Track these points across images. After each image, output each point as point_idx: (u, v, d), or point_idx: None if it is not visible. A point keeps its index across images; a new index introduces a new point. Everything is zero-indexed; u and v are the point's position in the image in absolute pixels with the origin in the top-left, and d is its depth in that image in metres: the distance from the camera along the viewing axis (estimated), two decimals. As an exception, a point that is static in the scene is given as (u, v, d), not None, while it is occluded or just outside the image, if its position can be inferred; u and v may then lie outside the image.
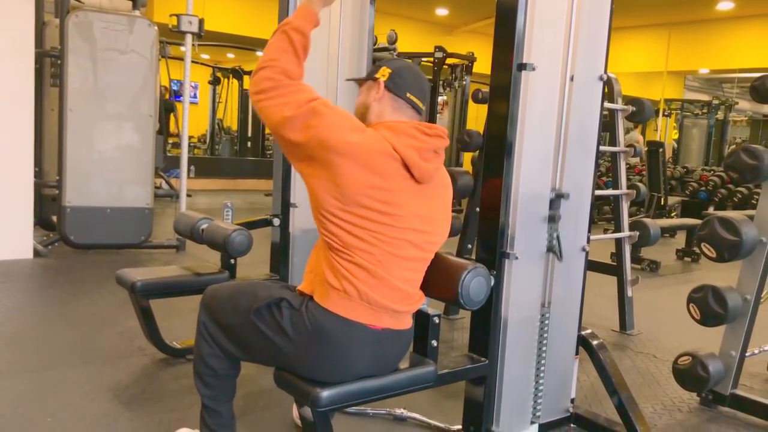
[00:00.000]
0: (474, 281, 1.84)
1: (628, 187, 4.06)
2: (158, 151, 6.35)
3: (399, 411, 2.52)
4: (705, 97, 16.35)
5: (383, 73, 1.83)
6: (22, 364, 2.86)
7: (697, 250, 6.75)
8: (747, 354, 2.85)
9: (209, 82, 13.42)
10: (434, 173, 1.78)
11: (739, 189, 9.08)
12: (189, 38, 5.17)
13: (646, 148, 8.09)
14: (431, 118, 9.88)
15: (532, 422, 2.41)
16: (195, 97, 15.55)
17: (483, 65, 10.40)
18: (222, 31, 10.76)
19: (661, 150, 8.07)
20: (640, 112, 3.93)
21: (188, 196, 5.71)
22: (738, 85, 16.70)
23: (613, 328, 3.98)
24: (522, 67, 2.13)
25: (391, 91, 1.82)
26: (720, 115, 13.91)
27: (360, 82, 1.93)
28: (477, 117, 13.73)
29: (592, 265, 3.38)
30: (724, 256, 2.57)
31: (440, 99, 10.38)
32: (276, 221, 3.20)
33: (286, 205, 3.21)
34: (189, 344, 3.01)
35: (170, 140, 11.56)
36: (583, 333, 2.55)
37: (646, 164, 8.32)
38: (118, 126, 5.04)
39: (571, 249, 2.41)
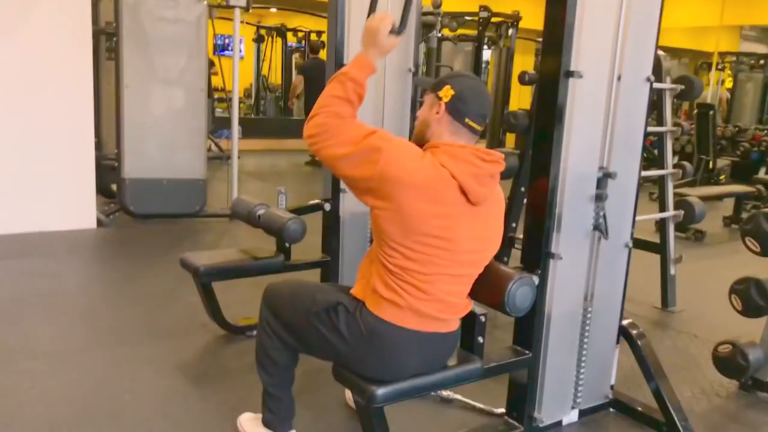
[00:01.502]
0: (520, 291, 1.95)
1: (675, 165, 4.06)
2: (207, 115, 6.54)
3: (446, 393, 2.68)
4: (762, 48, 15.67)
5: (446, 93, 1.87)
6: (98, 340, 3.11)
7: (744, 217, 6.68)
8: (788, 340, 2.91)
9: (253, 40, 13.49)
10: (489, 195, 1.87)
11: (794, 151, 8.85)
12: (237, 12, 5.26)
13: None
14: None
15: (573, 408, 2.55)
16: (240, 51, 15.66)
17: (528, 21, 10.24)
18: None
19: (711, 112, 7.89)
20: (689, 91, 3.90)
21: (238, 157, 5.88)
22: (799, 34, 15.93)
23: (655, 305, 4.05)
24: (569, 74, 2.18)
25: (450, 114, 1.87)
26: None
27: (423, 91, 1.98)
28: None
29: (635, 243, 3.42)
30: (768, 251, 2.62)
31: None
32: (327, 206, 3.33)
33: (335, 190, 3.34)
34: (248, 322, 3.22)
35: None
36: (624, 323, 2.64)
37: (695, 127, 8.15)
38: (171, 101, 5.22)
39: (615, 245, 2.50)
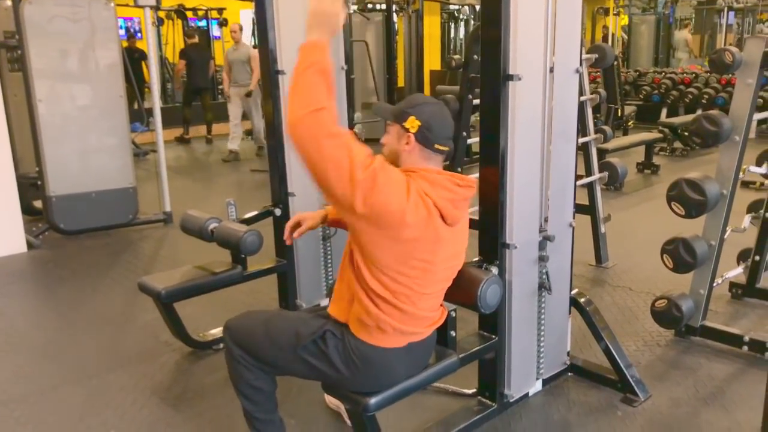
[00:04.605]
0: (490, 290, 2.11)
1: (595, 131, 4.32)
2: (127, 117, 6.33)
3: (419, 381, 2.83)
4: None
5: (413, 124, 1.93)
6: (65, 376, 3.06)
7: (656, 162, 7.17)
8: (713, 285, 3.23)
9: (153, 24, 12.93)
10: (462, 217, 2.00)
11: (690, 90, 9.45)
12: (148, 12, 5.10)
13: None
14: (389, 48, 9.86)
15: (537, 379, 2.77)
16: (140, 33, 15.04)
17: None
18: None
19: (615, 63, 8.30)
20: (602, 59, 4.14)
21: (153, 152, 5.71)
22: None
23: (590, 263, 4.34)
24: (509, 78, 2.32)
25: (420, 143, 1.94)
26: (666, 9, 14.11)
27: (387, 122, 2.02)
28: (430, 35, 13.63)
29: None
30: (692, 213, 2.89)
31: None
32: (278, 211, 3.38)
33: (285, 195, 3.40)
34: (212, 336, 3.27)
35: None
36: (572, 294, 2.87)
37: (602, 79, 8.59)
38: (90, 111, 5.04)
39: (559, 225, 2.69)
